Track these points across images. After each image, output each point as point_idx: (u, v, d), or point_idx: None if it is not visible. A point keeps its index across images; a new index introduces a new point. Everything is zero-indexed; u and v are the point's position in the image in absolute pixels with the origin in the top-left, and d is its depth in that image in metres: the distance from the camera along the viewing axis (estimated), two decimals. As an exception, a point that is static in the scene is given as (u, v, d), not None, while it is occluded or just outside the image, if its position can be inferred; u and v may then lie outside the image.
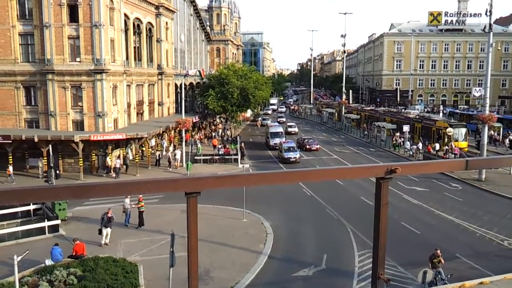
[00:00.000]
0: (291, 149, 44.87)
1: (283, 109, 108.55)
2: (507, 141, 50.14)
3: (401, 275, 18.49)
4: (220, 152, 46.86)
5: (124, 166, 39.54)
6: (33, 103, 39.77)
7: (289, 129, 66.08)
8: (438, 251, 17.55)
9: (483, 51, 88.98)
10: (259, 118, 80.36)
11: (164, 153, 43.64)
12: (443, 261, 17.42)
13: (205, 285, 17.58)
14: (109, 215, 22.20)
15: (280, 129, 55.50)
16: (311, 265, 19.79)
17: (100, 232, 22.12)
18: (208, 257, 19.80)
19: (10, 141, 35.55)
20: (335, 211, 27.83)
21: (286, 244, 22.93)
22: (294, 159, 43.58)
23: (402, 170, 3.39)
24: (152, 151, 43.61)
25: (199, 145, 48.92)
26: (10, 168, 35.48)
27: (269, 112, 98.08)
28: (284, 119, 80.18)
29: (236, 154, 43.30)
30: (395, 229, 22.98)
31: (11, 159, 36.58)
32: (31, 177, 36.60)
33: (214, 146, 51.26)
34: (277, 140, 50.20)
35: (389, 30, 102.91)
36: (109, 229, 22.25)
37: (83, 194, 3.08)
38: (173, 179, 3.18)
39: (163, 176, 37.44)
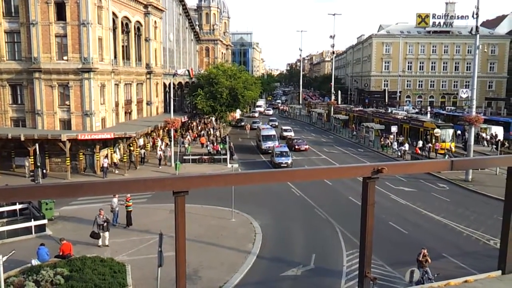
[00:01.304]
0: (284, 154, 42.40)
1: (270, 111, 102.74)
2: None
3: (388, 274, 18.62)
4: (208, 149, 47.31)
5: (113, 166, 39.26)
6: (19, 102, 39.31)
7: (285, 133, 60.32)
8: (425, 251, 17.70)
9: (470, 53, 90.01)
10: (244, 122, 74.49)
11: (159, 152, 43.68)
12: (430, 260, 17.58)
13: (193, 285, 17.52)
14: (102, 216, 21.89)
15: (273, 132, 52.23)
16: (299, 265, 19.84)
17: (94, 235, 21.62)
18: (197, 257, 19.74)
19: (-4, 140, 35.11)
20: (323, 211, 27.94)
21: (274, 243, 22.96)
22: (285, 165, 41.42)
23: (389, 170, 3.42)
24: (141, 150, 43.41)
25: (187, 145, 48.78)
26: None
27: (256, 114, 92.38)
28: (276, 123, 74.51)
29: (225, 154, 43.23)
30: (383, 228, 23.16)
31: (-3, 158, 36.17)
32: (17, 176, 36.15)
33: (202, 144, 51.38)
34: (270, 144, 47.93)
35: (378, 31, 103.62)
36: (107, 232, 21.95)
37: (71, 193, 3.06)
38: (161, 178, 3.18)
39: (151, 176, 37.32)
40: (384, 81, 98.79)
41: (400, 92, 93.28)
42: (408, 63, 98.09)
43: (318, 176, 4.15)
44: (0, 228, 22.58)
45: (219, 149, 46.74)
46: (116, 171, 39.29)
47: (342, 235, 23.67)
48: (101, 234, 21.82)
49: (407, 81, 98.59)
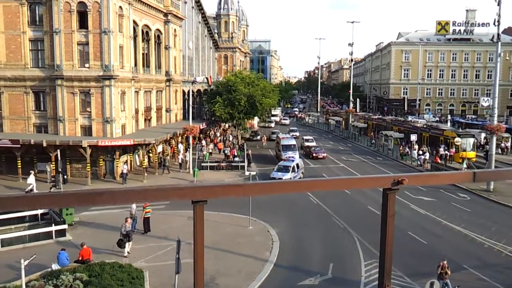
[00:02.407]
0: (284, 169, 38.42)
1: (287, 121, 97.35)
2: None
3: (407, 286, 18.38)
4: (226, 153, 48.26)
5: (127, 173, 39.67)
6: (42, 108, 40.10)
7: (306, 143, 56.23)
8: (445, 262, 17.43)
9: (491, 60, 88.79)
10: (260, 134, 66.82)
11: (180, 156, 44.83)
12: (449, 272, 17.30)
13: (210, 293, 17.55)
14: (128, 224, 22.02)
15: (293, 142, 50.29)
16: (317, 274, 19.71)
17: (120, 243, 21.64)
18: (214, 264, 19.78)
19: (19, 146, 35.84)
20: (341, 220, 27.74)
21: (292, 252, 22.86)
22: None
23: (409, 181, 3.41)
24: (162, 156, 44.02)
25: (205, 152, 49.09)
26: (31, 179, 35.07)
27: (272, 124, 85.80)
28: (297, 134, 68.39)
29: (243, 162, 43.33)
30: (401, 239, 22.86)
31: (19, 163, 36.87)
32: (39, 181, 36.69)
33: (220, 150, 52.09)
34: (290, 154, 46.09)
35: (397, 39, 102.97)
36: (130, 242, 22.04)
37: (90, 201, 3.12)
38: (180, 188, 3.22)
39: (170, 182, 37.55)
40: (403, 89, 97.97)
41: (419, 100, 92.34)
42: (428, 71, 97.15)
43: (337, 186, 4.16)
44: (22, 233, 22.99)
45: (236, 154, 47.56)
46: (146, 175, 39.89)
47: (360, 244, 23.46)
48: (127, 244, 21.81)
49: (427, 89, 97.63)
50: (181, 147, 47.41)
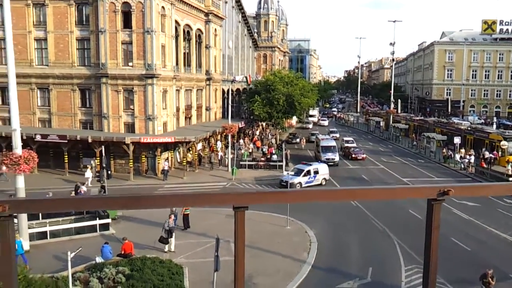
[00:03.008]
0: (297, 172, 37.72)
1: (326, 122, 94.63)
2: None
3: (450, 293, 17.89)
4: (264, 151, 49.09)
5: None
6: (88, 105, 41.50)
7: (346, 145, 55.20)
8: (490, 271, 16.83)
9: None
10: (299, 137, 64.28)
11: (220, 153, 45.79)
12: (493, 282, 16.67)
13: (248, 291, 17.66)
14: (171, 221, 22.41)
15: (333, 143, 49.21)
16: (355, 278, 19.47)
17: (162, 239, 21.99)
18: (252, 263, 19.83)
19: (66, 141, 37.26)
20: (381, 223, 27.28)
21: (330, 254, 22.68)
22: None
23: (456, 192, 3.32)
24: (200, 153, 44.98)
25: (243, 150, 49.44)
26: (3, 168, 36.31)
27: (310, 126, 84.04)
28: (337, 135, 66.97)
29: (281, 161, 43.28)
30: (444, 244, 22.17)
31: (66, 158, 38.27)
32: (84, 176, 38.02)
33: (258, 148, 52.53)
34: (330, 155, 45.91)
35: (440, 38, 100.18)
36: (172, 238, 22.40)
37: (136, 204, 3.21)
38: (223, 194, 3.27)
39: (209, 180, 37.99)
40: (447, 89, 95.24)
41: (463, 101, 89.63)
42: (473, 71, 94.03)
43: (381, 196, 4.09)
44: (68, 225, 23.85)
45: (274, 152, 47.93)
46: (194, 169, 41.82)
47: (401, 249, 23.00)
48: (170, 240, 22.15)
49: (472, 90, 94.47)
50: (219, 144, 48.10)
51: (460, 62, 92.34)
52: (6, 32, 20.76)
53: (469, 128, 55.44)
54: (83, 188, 30.33)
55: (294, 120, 79.58)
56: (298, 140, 63.33)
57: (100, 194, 31.49)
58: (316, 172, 37.91)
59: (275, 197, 3.35)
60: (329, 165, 44.42)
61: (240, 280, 2.70)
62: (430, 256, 3.30)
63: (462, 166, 44.50)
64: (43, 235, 23.34)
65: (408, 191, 3.77)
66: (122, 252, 20.20)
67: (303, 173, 37.06)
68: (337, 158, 46.48)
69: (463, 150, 47.65)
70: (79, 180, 34.57)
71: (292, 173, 38.16)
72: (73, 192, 29.13)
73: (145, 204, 3.03)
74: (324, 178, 38.50)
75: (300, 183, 36.38)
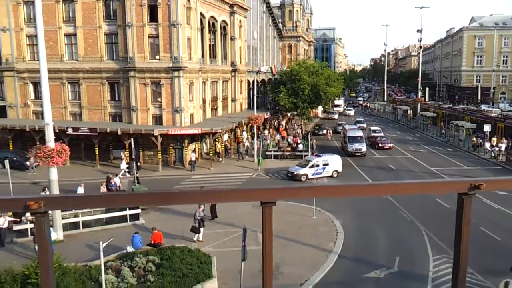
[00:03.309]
0: (304, 164, 37.43)
1: (352, 112, 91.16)
2: None
3: (479, 283, 17.75)
4: (289, 141, 49.42)
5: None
6: (116, 98, 42.36)
7: (373, 134, 54.74)
8: (521, 261, 16.62)
9: None
10: (326, 129, 62.54)
11: (246, 143, 46.37)
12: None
13: (275, 280, 17.63)
14: (201, 211, 22.85)
15: (360, 133, 48.10)
16: (382, 267, 19.51)
17: (194, 229, 22.45)
18: (279, 252, 20.10)
19: (97, 134, 38.21)
20: (408, 213, 27.13)
21: (356, 244, 22.75)
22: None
23: (487, 187, 3.37)
24: (227, 144, 45.60)
25: (269, 141, 49.66)
26: (31, 160, 36.73)
27: (335, 116, 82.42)
28: (364, 125, 65.41)
29: (307, 151, 43.31)
30: (473, 234, 21.91)
31: (97, 150, 39.28)
32: (114, 167, 38.99)
33: (283, 137, 52.83)
34: (357, 146, 45.37)
35: (469, 24, 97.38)
36: (202, 228, 22.81)
37: (164, 200, 3.41)
38: (250, 190, 3.42)
39: (235, 171, 38.29)
40: (476, 76, 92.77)
41: (494, 88, 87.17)
42: (504, 57, 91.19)
43: (409, 190, 4.16)
44: (100, 215, 24.60)
45: (299, 142, 48.11)
46: (221, 160, 42.89)
47: (429, 238, 22.87)
48: (201, 229, 22.57)
49: (502, 77, 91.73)
50: (245, 134, 48.52)
51: (490, 47, 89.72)
52: (38, 29, 21.44)
53: (499, 116, 54.12)
54: (115, 180, 31.14)
55: (319, 110, 79.07)
56: (324, 131, 61.63)
57: (134, 185, 32.28)
58: (326, 164, 37.18)
59: (303, 192, 3.47)
60: (356, 156, 44.40)
61: (268, 275, 2.84)
62: (460, 252, 3.26)
63: (493, 155, 43.58)
64: (75, 226, 24.21)
65: (438, 185, 3.78)
66: (152, 242, 20.76)
67: (309, 165, 36.71)
68: (364, 148, 45.82)
69: (495, 139, 46.45)
70: (110, 171, 35.48)
71: (297, 164, 37.95)
72: (105, 184, 29.95)
73: (175, 200, 3.21)
74: (336, 171, 37.51)
75: (306, 174, 36.17)
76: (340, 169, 37.86)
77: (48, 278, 2.89)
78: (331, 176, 37.15)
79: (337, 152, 44.15)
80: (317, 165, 36.90)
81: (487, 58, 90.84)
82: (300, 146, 46.30)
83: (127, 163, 37.82)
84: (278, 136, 53.68)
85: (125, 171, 36.30)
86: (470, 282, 17.22)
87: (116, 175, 33.76)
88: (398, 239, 23.40)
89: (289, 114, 69.78)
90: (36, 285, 14.45)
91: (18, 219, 23.10)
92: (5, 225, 22.22)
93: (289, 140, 50.93)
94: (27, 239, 22.19)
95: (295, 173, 36.35)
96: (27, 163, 37.13)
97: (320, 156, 38.61)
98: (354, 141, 46.22)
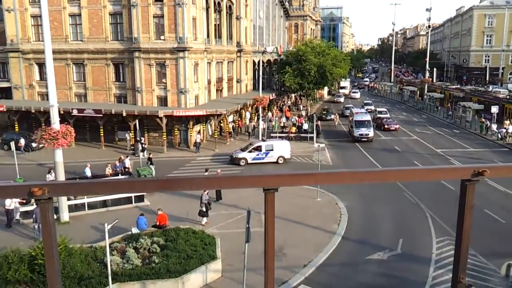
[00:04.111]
0: (366, 123, 41.34)
1: (357, 94, 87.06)
2: None
3: (482, 265, 17.80)
4: (293, 121, 49.54)
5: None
6: (121, 80, 42.27)
7: (379, 115, 54.76)
8: (524, 244, 16.63)
9: None
10: (333, 114, 58.74)
11: (252, 123, 46.81)
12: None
13: (278, 262, 18.08)
14: (206, 193, 22.87)
15: (367, 117, 46.03)
16: (386, 249, 19.61)
17: (202, 213, 22.56)
18: (282, 234, 20.25)
19: (101, 115, 38.25)
20: (413, 194, 27.11)
21: (360, 226, 22.83)
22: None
23: (491, 173, 3.32)
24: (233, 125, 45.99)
25: (274, 122, 49.55)
26: (22, 141, 37.40)
27: (341, 99, 78.55)
28: (372, 107, 63.64)
29: (312, 133, 43.15)
30: (477, 216, 21.98)
31: (102, 132, 39.38)
32: (119, 149, 39.16)
33: (287, 118, 52.70)
34: (363, 131, 43.59)
35: (480, 2, 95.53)
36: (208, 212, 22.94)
37: (168, 187, 3.41)
38: (252, 176, 3.41)
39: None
40: (485, 56, 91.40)
41: (503, 68, 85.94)
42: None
43: (412, 177, 4.13)
44: (105, 197, 24.76)
45: (303, 122, 47.91)
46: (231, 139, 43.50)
47: (432, 220, 22.92)
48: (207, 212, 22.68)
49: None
50: (248, 115, 48.56)
51: (500, 27, 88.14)
52: (42, 9, 21.27)
53: (508, 97, 53.53)
54: (126, 160, 31.34)
55: (325, 90, 78.53)
56: (332, 116, 57.82)
57: (140, 168, 32.27)
58: (270, 150, 35.69)
59: (306, 179, 3.45)
60: (362, 141, 43.22)
61: (270, 261, 2.83)
62: (462, 236, 3.25)
63: (499, 136, 43.24)
64: (81, 207, 24.43)
65: (441, 171, 3.74)
66: (157, 223, 20.95)
67: (249, 149, 35.57)
68: (371, 133, 44.00)
69: (508, 122, 45.06)
70: (115, 153, 35.61)
71: (243, 148, 36.76)
72: (110, 165, 30.08)
73: (178, 186, 3.20)
74: (282, 157, 35.70)
75: (245, 159, 35.00)
76: (287, 156, 35.97)
77: (53, 262, 2.90)
78: (276, 162, 35.52)
79: (344, 137, 43.44)
80: (259, 150, 35.49)
81: (497, 37, 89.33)
82: (305, 126, 46.08)
83: (132, 145, 37.92)
84: (283, 119, 53.45)
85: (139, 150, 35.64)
86: (473, 264, 17.28)
87: (127, 156, 33.54)
88: (402, 221, 23.44)
89: (293, 95, 69.41)
90: (42, 266, 14.66)
91: (24, 200, 23.33)
92: (12, 207, 22.46)
93: (293, 120, 50.88)
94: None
95: (233, 156, 35.59)
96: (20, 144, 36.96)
97: (264, 140, 37.40)
98: (361, 125, 44.37)
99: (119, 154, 35.76)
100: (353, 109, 52.75)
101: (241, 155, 35.31)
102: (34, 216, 21.54)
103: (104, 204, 24.82)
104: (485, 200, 25.28)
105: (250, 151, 35.52)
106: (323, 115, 58.72)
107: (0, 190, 3.08)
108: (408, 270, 18.10)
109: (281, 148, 36.12)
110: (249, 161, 35.15)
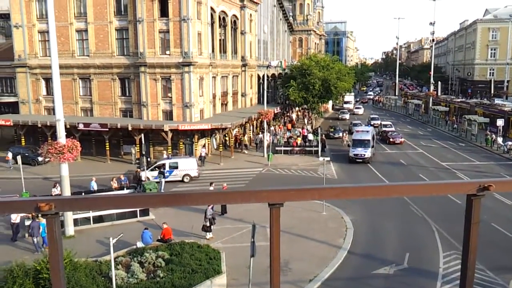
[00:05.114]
0: (364, 142, 39.73)
1: (360, 110, 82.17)
2: None
3: (490, 280, 17.58)
4: (296, 133, 50.08)
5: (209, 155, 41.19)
6: (127, 94, 42.56)
7: (384, 129, 54.24)
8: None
9: None
10: (341, 131, 54.37)
11: (260, 136, 47.08)
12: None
13: (284, 276, 17.95)
14: (210, 208, 22.79)
15: (367, 137, 41.30)
16: (392, 264, 19.42)
17: (206, 228, 22.48)
18: (288, 248, 20.13)
19: (107, 129, 38.45)
20: (419, 208, 26.94)
21: (366, 240, 22.67)
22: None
23: (497, 187, 3.31)
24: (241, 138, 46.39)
25: (279, 136, 49.58)
26: (9, 155, 37.74)
27: (346, 116, 73.83)
28: (378, 122, 61.39)
29: (317, 146, 43.13)
30: (484, 230, 21.79)
31: (107, 146, 39.54)
32: (125, 163, 39.25)
33: (289, 130, 53.22)
34: (360, 151, 39.90)
35: (484, 16, 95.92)
36: (212, 226, 22.86)
37: (173, 201, 3.42)
38: (258, 191, 3.41)
39: (245, 166, 38.20)
40: (490, 69, 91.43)
41: (507, 81, 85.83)
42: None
43: (417, 192, 4.12)
44: (110, 211, 24.72)
45: (306, 133, 48.48)
46: (246, 152, 44.33)
47: (439, 234, 22.71)
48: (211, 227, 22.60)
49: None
50: (246, 131, 49.06)
51: (504, 40, 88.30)
52: (49, 24, 21.55)
53: (513, 110, 53.40)
54: (143, 173, 31.48)
55: (329, 104, 78.57)
56: (340, 134, 53.29)
57: (145, 182, 32.30)
58: (174, 168, 33.92)
59: (310, 193, 3.45)
60: (357, 162, 39.85)
61: (275, 277, 2.81)
62: (468, 251, 3.18)
63: (505, 149, 43.04)
64: (86, 221, 24.42)
65: (446, 186, 3.71)
66: (162, 237, 20.88)
67: (151, 168, 33.67)
68: (368, 154, 39.92)
69: None
70: (121, 167, 35.65)
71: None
72: (115, 179, 30.14)
73: (184, 201, 3.21)
74: (188, 175, 34.01)
75: (147, 178, 32.09)
76: (194, 174, 34.27)
77: (58, 277, 2.91)
78: (182, 181, 33.82)
79: (347, 157, 40.77)
80: (163, 168, 33.68)
81: (501, 51, 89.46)
82: (310, 136, 46.17)
83: (137, 159, 38.00)
84: (287, 134, 53.39)
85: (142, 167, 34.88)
86: (480, 279, 17.08)
87: (143, 169, 33.05)
88: (408, 235, 23.26)
89: (297, 108, 69.54)
90: (47, 280, 14.63)
91: (29, 215, 23.38)
92: (18, 220, 22.50)
93: (296, 132, 51.14)
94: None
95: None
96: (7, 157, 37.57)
97: (169, 158, 35.53)
98: (358, 144, 40.76)
99: (125, 168, 35.90)
100: (359, 127, 50.22)
101: (143, 174, 32.26)
102: (30, 230, 21.58)
103: (109, 218, 24.78)
104: (493, 214, 25.08)
105: (152, 169, 33.34)
106: (330, 133, 54.49)
107: (7, 205, 3.10)
108: (415, 285, 17.92)
109: (187, 166, 34.29)
110: (152, 179, 32.16)
